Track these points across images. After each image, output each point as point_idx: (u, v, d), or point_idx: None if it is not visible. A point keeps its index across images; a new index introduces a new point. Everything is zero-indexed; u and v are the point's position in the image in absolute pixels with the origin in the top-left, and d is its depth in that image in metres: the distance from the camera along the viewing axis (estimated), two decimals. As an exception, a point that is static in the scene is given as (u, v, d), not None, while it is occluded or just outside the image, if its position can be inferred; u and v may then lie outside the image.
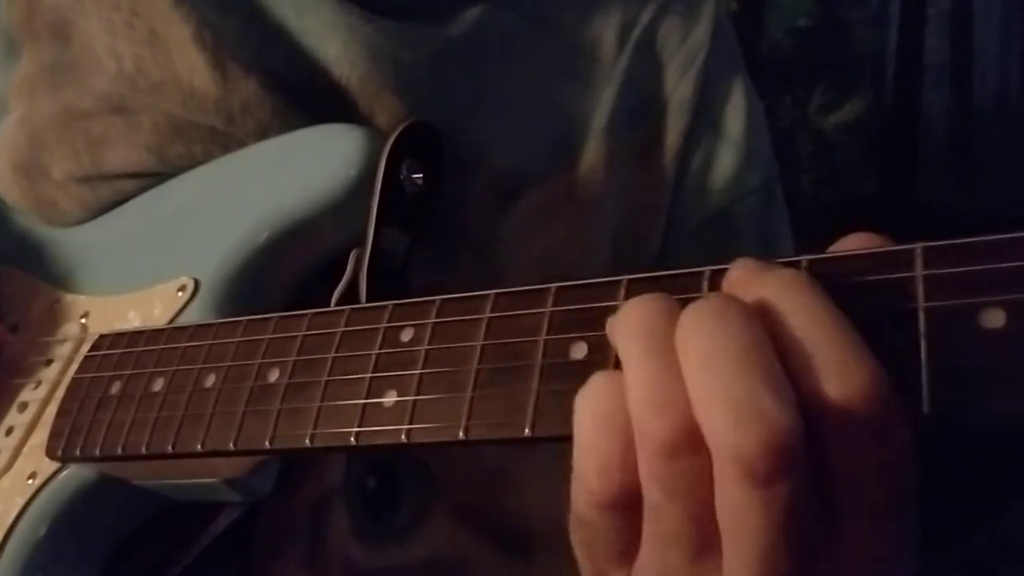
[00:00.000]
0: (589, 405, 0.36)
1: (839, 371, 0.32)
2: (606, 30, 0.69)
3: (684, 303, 0.35)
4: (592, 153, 0.66)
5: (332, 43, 0.61)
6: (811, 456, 0.32)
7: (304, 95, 0.61)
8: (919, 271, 0.33)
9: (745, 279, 0.35)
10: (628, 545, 0.37)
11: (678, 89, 0.69)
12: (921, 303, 0.33)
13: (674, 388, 0.33)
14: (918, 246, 0.34)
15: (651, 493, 0.35)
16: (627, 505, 0.35)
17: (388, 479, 0.62)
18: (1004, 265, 0.32)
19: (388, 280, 0.57)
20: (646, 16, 0.70)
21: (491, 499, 0.64)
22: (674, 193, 0.68)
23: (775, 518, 0.32)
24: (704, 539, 0.35)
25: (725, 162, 0.69)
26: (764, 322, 0.33)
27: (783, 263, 0.36)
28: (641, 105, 0.68)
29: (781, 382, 0.32)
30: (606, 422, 0.35)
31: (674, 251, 0.67)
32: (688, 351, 0.33)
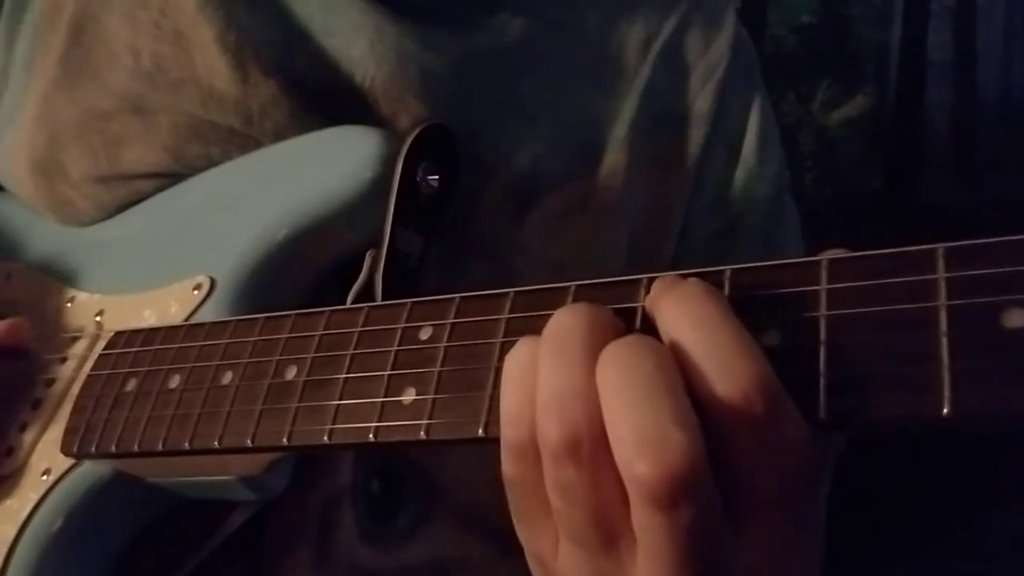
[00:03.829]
0: (508, 363, 0.39)
1: (724, 372, 0.35)
2: (629, 39, 0.69)
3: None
4: (611, 161, 0.66)
5: (358, 43, 0.61)
6: (715, 459, 0.35)
7: (325, 97, 0.61)
8: (941, 272, 0.34)
9: (659, 292, 0.38)
10: (541, 498, 0.38)
11: (699, 100, 0.69)
12: (943, 302, 0.33)
13: (573, 404, 0.36)
14: (940, 247, 0.34)
15: (552, 495, 0.37)
16: (521, 456, 0.38)
17: (391, 482, 0.62)
18: (1026, 266, 0.32)
19: (402, 280, 0.57)
20: (669, 26, 0.69)
21: (493, 502, 0.64)
22: (688, 203, 0.68)
23: (680, 538, 0.34)
24: (609, 538, 0.37)
25: (739, 175, 0.69)
26: (670, 342, 0.36)
27: (804, 262, 0.37)
28: (662, 115, 0.68)
29: (684, 409, 0.34)
30: (514, 382, 0.38)
31: (686, 260, 0.67)
32: (603, 381, 0.36)
